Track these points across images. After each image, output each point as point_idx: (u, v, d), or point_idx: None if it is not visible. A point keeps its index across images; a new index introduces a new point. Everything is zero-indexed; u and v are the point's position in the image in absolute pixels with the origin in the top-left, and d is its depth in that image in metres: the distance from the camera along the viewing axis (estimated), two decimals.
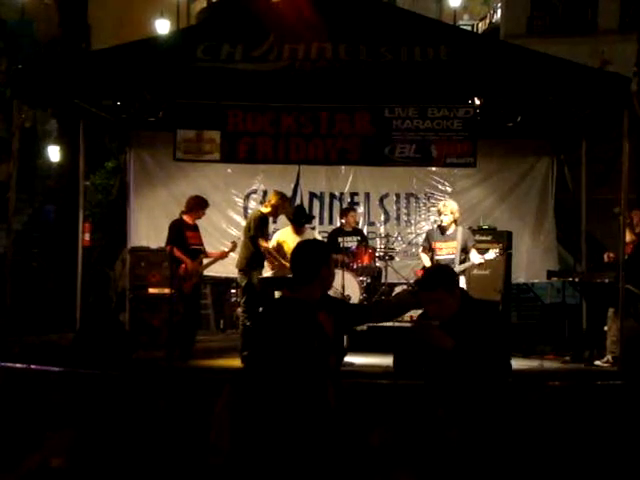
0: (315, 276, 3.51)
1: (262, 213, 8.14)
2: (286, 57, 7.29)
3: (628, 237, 7.57)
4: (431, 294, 3.79)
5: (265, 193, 10.16)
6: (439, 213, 8.09)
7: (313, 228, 9.98)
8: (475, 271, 8.44)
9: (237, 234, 9.35)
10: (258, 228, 7.92)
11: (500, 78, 7.34)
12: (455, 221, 7.98)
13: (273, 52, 7.33)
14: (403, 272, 9.21)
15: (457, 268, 7.65)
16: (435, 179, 10.39)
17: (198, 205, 8.33)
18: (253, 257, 7.91)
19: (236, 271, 8.13)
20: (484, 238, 8.65)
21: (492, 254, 7.94)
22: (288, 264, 7.74)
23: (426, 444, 3.88)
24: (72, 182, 10.06)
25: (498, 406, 3.72)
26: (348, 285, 7.92)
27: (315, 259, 3.55)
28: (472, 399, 3.65)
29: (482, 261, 7.86)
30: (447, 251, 7.91)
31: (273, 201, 8.12)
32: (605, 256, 7.97)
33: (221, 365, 7.64)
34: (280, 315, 3.52)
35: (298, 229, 8.17)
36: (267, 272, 8.09)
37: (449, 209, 7.95)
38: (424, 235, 8.56)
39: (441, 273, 4.03)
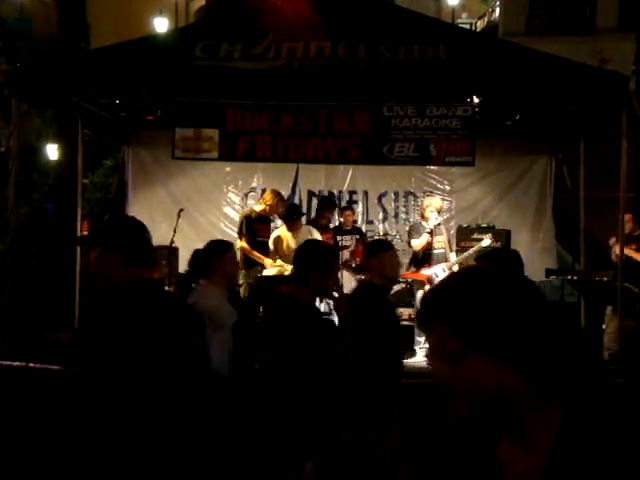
0: (305, 277, 3.53)
1: (252, 211, 8.14)
2: (285, 55, 7.29)
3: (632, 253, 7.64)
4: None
5: (264, 192, 10.15)
6: (425, 209, 8.23)
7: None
8: None
9: (235, 233, 9.35)
10: (242, 226, 7.94)
11: (499, 77, 7.34)
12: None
13: (272, 50, 7.32)
14: (401, 271, 9.22)
15: (454, 260, 7.84)
16: (434, 177, 10.40)
17: None
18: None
19: None
20: (483, 237, 8.67)
21: (487, 241, 8.17)
22: (284, 262, 7.84)
23: (426, 443, 3.88)
24: (70, 180, 10.04)
25: None
26: (347, 284, 7.95)
27: (306, 261, 3.58)
28: None
29: (482, 247, 8.04)
30: (439, 245, 8.06)
31: (268, 200, 8.12)
32: (611, 241, 7.98)
33: None
34: (277, 313, 3.54)
35: (292, 226, 8.21)
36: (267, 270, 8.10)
37: (439, 204, 8.29)
38: (413, 227, 8.64)
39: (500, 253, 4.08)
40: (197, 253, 5.22)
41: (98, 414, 2.41)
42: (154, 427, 2.38)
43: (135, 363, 2.38)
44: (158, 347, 2.43)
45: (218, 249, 4.81)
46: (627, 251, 7.38)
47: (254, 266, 7.91)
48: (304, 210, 10.19)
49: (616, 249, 7.59)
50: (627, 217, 7.73)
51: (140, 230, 2.64)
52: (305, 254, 3.65)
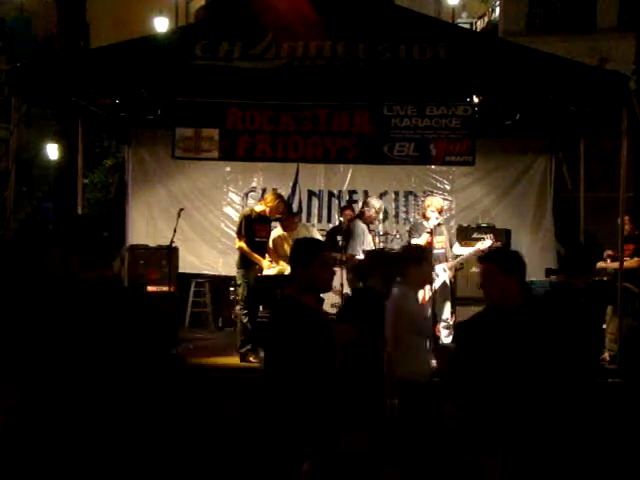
0: (294, 275, 3.54)
1: (252, 211, 8.13)
2: (284, 55, 7.29)
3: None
4: (487, 265, 3.76)
5: (264, 191, 10.16)
6: (426, 209, 8.19)
7: (313, 225, 10.02)
8: (473, 268, 8.45)
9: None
10: (241, 226, 7.93)
11: (499, 76, 7.34)
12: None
13: (271, 50, 7.32)
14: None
15: (455, 260, 7.87)
16: (434, 177, 10.40)
17: None
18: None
19: (235, 270, 8.13)
20: (482, 236, 8.67)
21: (488, 242, 8.19)
22: (285, 262, 7.84)
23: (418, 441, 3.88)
24: (70, 180, 10.04)
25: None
26: (346, 283, 7.94)
27: (290, 259, 3.62)
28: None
29: (482, 248, 7.98)
30: (440, 245, 8.06)
31: (269, 202, 8.08)
32: (605, 254, 8.00)
33: (220, 363, 7.65)
34: (281, 314, 3.54)
35: (286, 225, 8.27)
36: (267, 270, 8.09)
37: (440, 204, 8.23)
38: (413, 227, 8.60)
39: (501, 253, 4.08)
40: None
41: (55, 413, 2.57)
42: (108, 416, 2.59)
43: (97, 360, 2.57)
44: (117, 343, 2.62)
45: (417, 254, 4.76)
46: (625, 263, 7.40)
47: (253, 266, 7.90)
48: (304, 210, 10.19)
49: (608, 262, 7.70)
50: (625, 219, 7.73)
51: (96, 230, 2.78)
52: (290, 252, 3.74)
